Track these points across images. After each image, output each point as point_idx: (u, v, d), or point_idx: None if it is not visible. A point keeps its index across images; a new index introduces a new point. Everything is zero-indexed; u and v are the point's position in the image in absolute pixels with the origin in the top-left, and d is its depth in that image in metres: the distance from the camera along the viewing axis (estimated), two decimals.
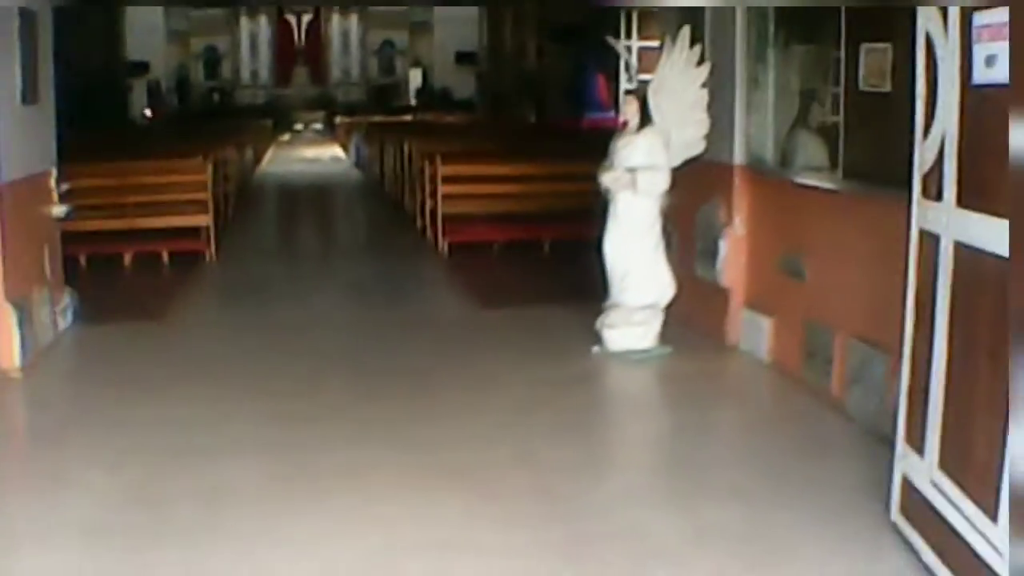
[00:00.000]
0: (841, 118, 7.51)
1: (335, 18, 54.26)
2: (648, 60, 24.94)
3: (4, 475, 6.26)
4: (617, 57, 26.10)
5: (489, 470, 6.10)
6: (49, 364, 8.68)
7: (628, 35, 26.36)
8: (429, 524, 5.35)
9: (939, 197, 4.68)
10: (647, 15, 25.45)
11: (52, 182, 9.42)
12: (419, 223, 15.77)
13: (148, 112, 44.95)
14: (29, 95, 8.70)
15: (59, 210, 9.51)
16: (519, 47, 36.04)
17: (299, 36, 53.65)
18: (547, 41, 31.85)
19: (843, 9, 7.30)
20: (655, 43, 24.30)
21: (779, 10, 8.30)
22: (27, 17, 8.62)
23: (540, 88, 32.96)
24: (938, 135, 4.68)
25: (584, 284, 9.33)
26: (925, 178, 4.87)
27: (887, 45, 6.79)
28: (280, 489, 5.82)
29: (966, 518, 4.30)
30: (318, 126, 48.17)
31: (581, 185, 13.14)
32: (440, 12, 51.73)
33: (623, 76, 25.95)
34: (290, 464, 6.20)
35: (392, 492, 5.75)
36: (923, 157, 4.88)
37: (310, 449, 6.46)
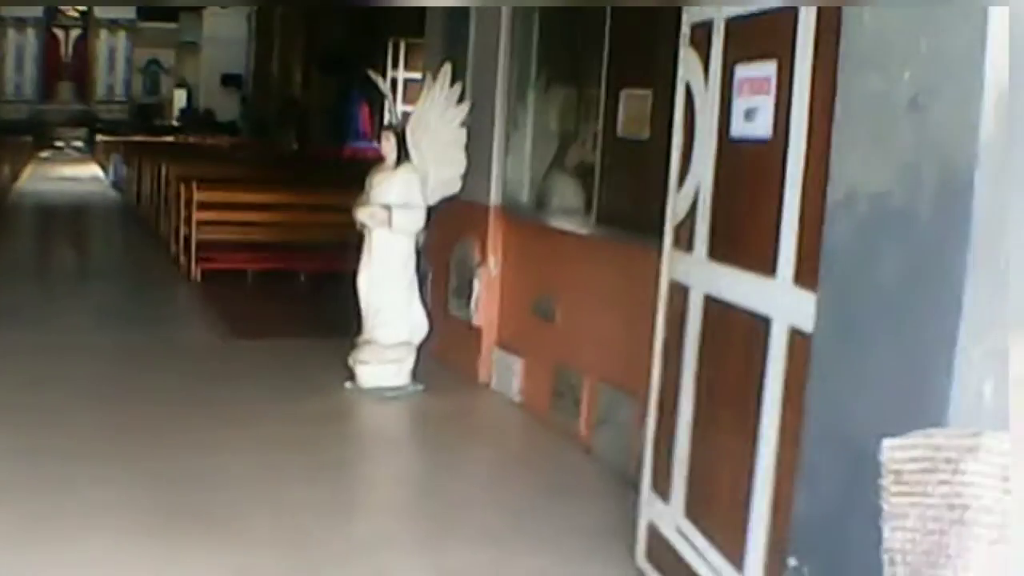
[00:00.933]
0: (597, 163, 7.57)
1: (103, 34, 53.06)
2: (414, 92, 25.12)
3: None
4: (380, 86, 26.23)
5: (234, 512, 5.90)
6: None
7: (395, 66, 26.39)
8: (170, 572, 5.14)
9: (690, 249, 4.74)
10: (415, 47, 25.53)
11: None
12: (173, 248, 15.41)
13: None
14: None
15: None
16: (285, 73, 35.71)
17: (66, 51, 52.33)
18: (313, 69, 31.64)
19: (607, 52, 7.37)
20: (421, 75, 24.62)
21: (542, 50, 8.39)
22: None
23: (304, 115, 32.71)
24: (692, 187, 4.73)
25: (340, 318, 9.20)
26: (677, 229, 4.91)
27: (648, 92, 6.87)
28: (9, 532, 5.50)
29: (711, 566, 4.35)
30: (79, 144, 46.87)
31: (340, 216, 12.97)
32: (208, 32, 51.05)
33: (384, 107, 25.97)
34: (27, 504, 5.87)
35: (133, 536, 5.48)
36: (676, 208, 4.92)
37: (52, 487, 6.14)
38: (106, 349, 9.94)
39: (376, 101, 26.27)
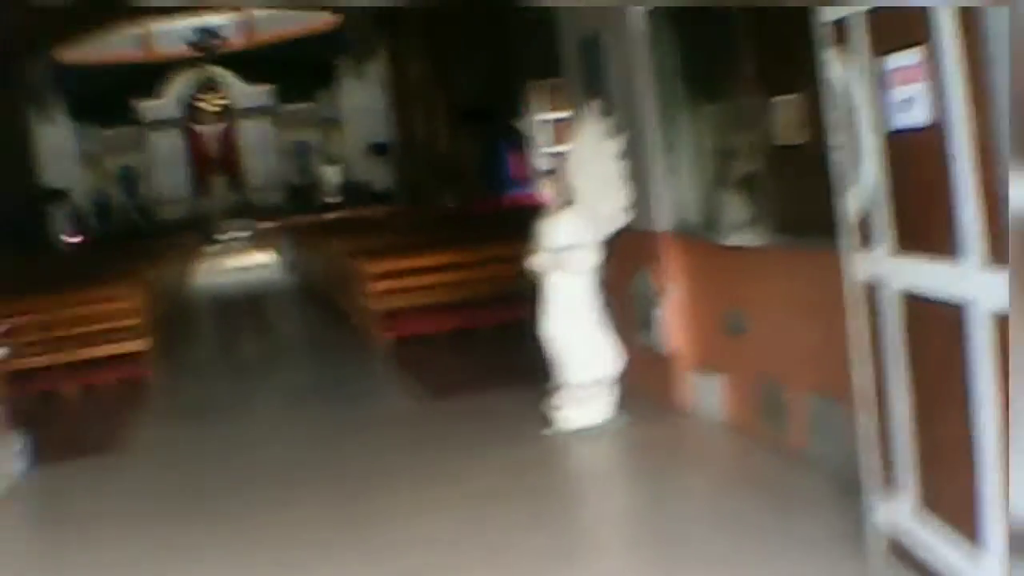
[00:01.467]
0: (760, 173, 7.55)
1: (246, 123, 54.17)
2: (564, 131, 25.17)
3: None
4: (529, 131, 26.39)
5: (459, 573, 6.00)
6: (7, 511, 8.51)
7: (539, 108, 26.49)
8: None
9: (871, 245, 4.71)
10: (557, 88, 25.59)
11: None
12: (355, 321, 15.71)
13: (70, 238, 44.57)
14: None
15: (1, 352, 9.34)
16: (430, 133, 36.17)
17: (212, 145, 53.52)
18: (457, 124, 31.98)
19: (751, 62, 7.35)
20: (567, 113, 24.69)
21: (684, 70, 8.37)
22: None
23: (455, 172, 33.05)
24: (862, 184, 4.71)
25: (529, 366, 9.29)
26: (854, 228, 4.89)
27: (797, 97, 6.83)
28: None
29: (950, 555, 4.30)
30: (242, 233, 47.85)
31: (510, 267, 13.22)
32: (348, 106, 51.81)
33: (535, 152, 26.10)
34: None
35: None
36: (850, 207, 4.90)
37: (282, 570, 6.36)
38: (309, 431, 10.20)
39: (525, 147, 26.47)
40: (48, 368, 12.89)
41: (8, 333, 9.54)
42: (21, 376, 11.72)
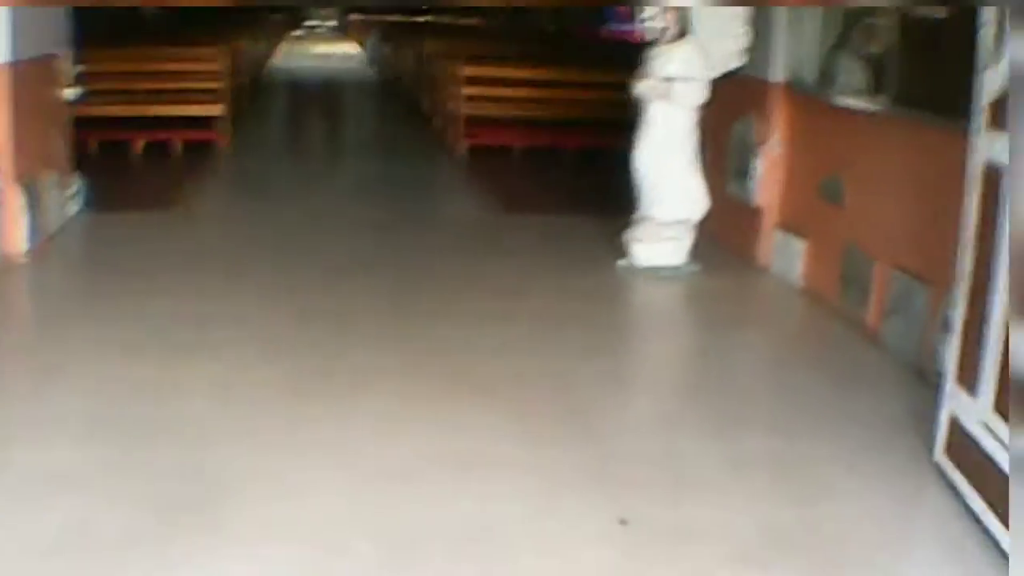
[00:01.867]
0: (892, 40, 7.21)
1: None
2: None
3: (2, 367, 5.98)
4: None
5: (517, 384, 5.83)
6: (57, 250, 8.39)
7: None
8: (456, 436, 5.07)
9: (1007, 127, 4.40)
10: None
11: (65, 64, 9.09)
12: (437, 124, 15.49)
13: None
14: None
15: (71, 93, 9.20)
16: None
17: None
18: None
19: None
20: None
21: None
22: None
23: None
24: (1007, 62, 4.38)
25: (608, 195, 9.06)
26: (991, 107, 4.57)
27: None
28: (299, 391, 5.54)
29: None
30: (332, 23, 47.60)
31: (604, 93, 12.96)
32: None
33: None
34: (311, 366, 5.94)
35: (418, 401, 5.46)
36: (989, 85, 4.58)
37: (331, 351, 6.21)
38: (376, 221, 10.04)
39: None
40: (120, 119, 12.75)
41: (82, 77, 9.33)
42: (94, 123, 11.63)
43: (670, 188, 8.08)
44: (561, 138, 13.67)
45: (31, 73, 8.11)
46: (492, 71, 13.97)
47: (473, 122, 13.78)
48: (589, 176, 11.80)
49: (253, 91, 20.02)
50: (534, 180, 12.44)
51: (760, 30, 8.22)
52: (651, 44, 8.28)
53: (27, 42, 7.94)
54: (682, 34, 8.04)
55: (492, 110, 13.90)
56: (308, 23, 47.40)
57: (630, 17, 26.04)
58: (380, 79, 24.90)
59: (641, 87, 8.08)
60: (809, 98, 8.09)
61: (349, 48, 35.50)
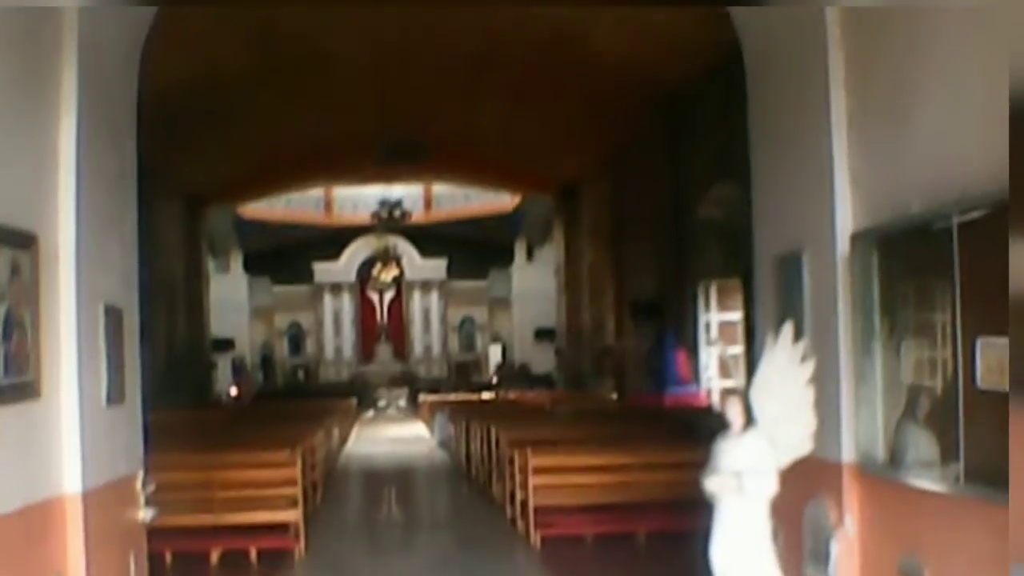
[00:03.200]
0: (957, 417, 7.18)
1: (416, 295, 55.17)
2: (728, 333, 25.08)
3: None
4: (696, 330, 26.30)
5: None
6: None
7: (707, 308, 26.50)
8: None
9: None
10: (726, 288, 25.63)
11: (138, 484, 9.18)
12: (509, 512, 15.47)
13: (233, 390, 45.42)
14: (115, 396, 8.41)
15: (146, 514, 9.27)
16: (597, 323, 36.21)
17: (381, 313, 54.44)
18: (625, 317, 31.97)
19: (956, 301, 7.04)
20: (735, 315, 24.63)
21: (885, 300, 8.07)
22: (113, 315, 8.44)
23: (619, 364, 32.95)
24: None
25: None
26: None
27: (1005, 340, 6.51)
28: None
29: None
30: (401, 403, 48.28)
31: (673, 474, 12.98)
32: (519, 289, 52.53)
33: (704, 350, 25.99)
34: None
35: None
36: None
37: None
38: None
39: (692, 345, 26.34)
40: (196, 529, 12.84)
41: (155, 492, 9.44)
42: (168, 533, 11.71)
43: None
44: (635, 522, 13.57)
45: (105, 499, 8.12)
46: (558, 460, 14.02)
47: (545, 511, 13.73)
48: (667, 561, 11.66)
49: (327, 484, 20.19)
50: (612, 571, 12.28)
51: (826, 412, 8.25)
52: (718, 436, 8.31)
53: (100, 467, 8.00)
54: (748, 423, 8.08)
55: (562, 498, 13.88)
56: (379, 404, 48.10)
57: (691, 379, 26.31)
58: (451, 463, 25.03)
59: (711, 484, 8.05)
60: (880, 478, 8.01)
61: (419, 429, 35.88)
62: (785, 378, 8.14)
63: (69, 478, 7.49)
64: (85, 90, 7.74)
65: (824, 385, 8.26)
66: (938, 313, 7.49)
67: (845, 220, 8.23)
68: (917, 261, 7.67)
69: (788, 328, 8.20)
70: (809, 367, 8.13)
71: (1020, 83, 5.65)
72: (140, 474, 9.17)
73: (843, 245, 8.23)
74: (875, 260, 8.05)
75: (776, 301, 9.27)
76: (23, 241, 6.94)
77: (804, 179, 8.83)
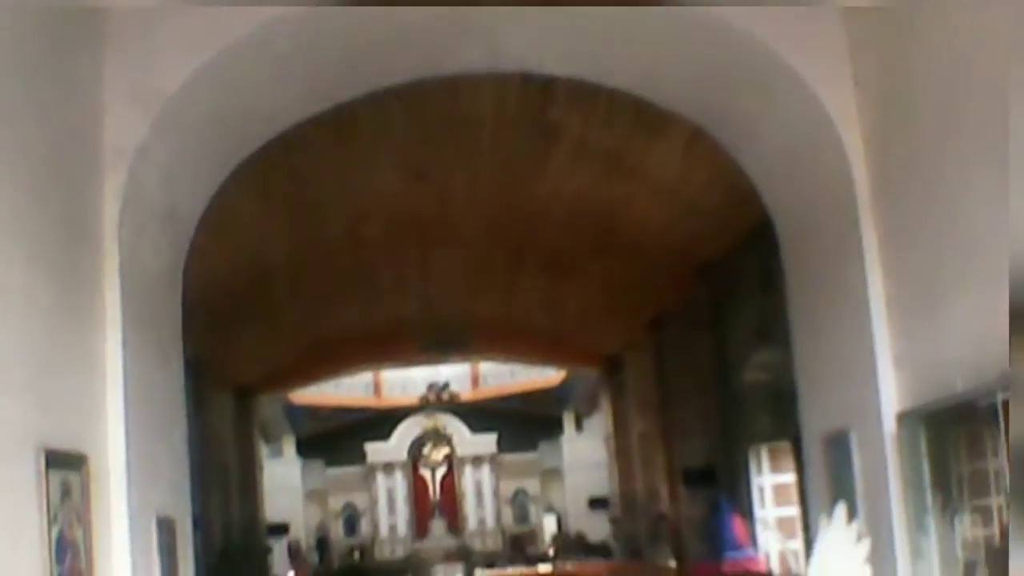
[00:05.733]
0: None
1: (467, 469, 54.97)
2: (781, 494, 24.85)
3: None
4: (750, 494, 26.00)
5: None
6: None
7: (759, 472, 26.31)
8: None
9: None
10: (777, 451, 25.45)
11: None
12: None
13: (290, 574, 45.15)
14: None
15: None
16: (651, 490, 35.93)
17: (434, 489, 54.19)
18: (678, 483, 31.74)
19: (1005, 476, 6.99)
20: (787, 476, 24.39)
21: (936, 478, 8.03)
22: (165, 526, 8.47)
23: (675, 531, 32.63)
24: None
25: None
26: None
27: None
28: None
29: None
30: None
31: None
32: (570, 459, 52.29)
33: (758, 514, 25.69)
34: None
35: None
36: None
37: None
38: None
39: (747, 509, 26.08)
40: None
41: None
42: None
43: None
44: None
45: None
46: None
47: None
48: None
49: None
50: None
51: (880, 560, 8.14)
52: None
53: None
54: None
55: None
56: None
57: (748, 543, 25.98)
58: None
59: None
60: None
61: None
62: (842, 557, 8.05)
63: None
64: (129, 316, 7.91)
65: (881, 563, 8.15)
66: (990, 491, 7.45)
67: (890, 399, 8.24)
68: (967, 439, 7.66)
69: (841, 509, 8.14)
70: (865, 547, 8.04)
71: None
72: None
73: (890, 424, 8.22)
74: (923, 438, 8.04)
75: (827, 478, 9.22)
76: (73, 462, 7.03)
77: (846, 357, 8.86)
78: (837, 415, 9.02)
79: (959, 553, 8.04)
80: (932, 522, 8.10)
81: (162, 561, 8.33)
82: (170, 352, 9.16)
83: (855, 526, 8.03)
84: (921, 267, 7.89)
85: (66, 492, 6.91)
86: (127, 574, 7.60)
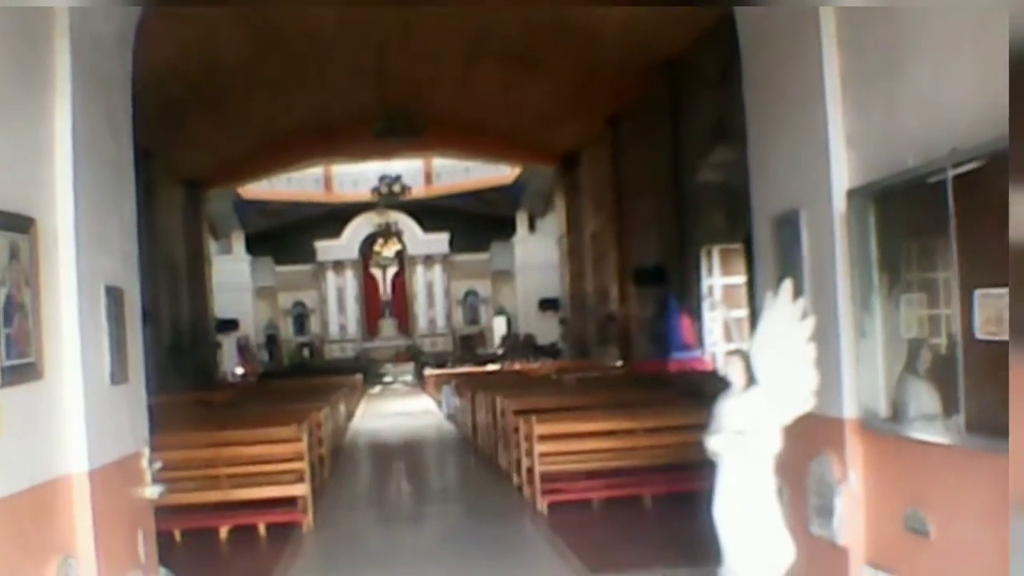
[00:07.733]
0: (956, 369, 7.19)
1: (419, 270, 55.21)
2: (731, 296, 25.11)
3: None
4: (699, 295, 26.29)
5: None
6: None
7: (710, 273, 26.52)
8: None
9: None
10: (728, 253, 25.66)
11: (144, 462, 9.18)
12: (515, 480, 15.54)
13: (239, 370, 45.55)
14: (118, 375, 8.41)
15: (153, 491, 9.26)
16: (601, 291, 36.23)
17: (384, 289, 54.48)
18: (628, 283, 31.96)
19: (953, 254, 7.04)
20: (738, 279, 24.65)
21: (883, 259, 8.08)
22: (114, 295, 8.44)
23: (624, 331, 32.98)
24: None
25: (691, 543, 8.97)
26: None
27: (1002, 291, 6.52)
28: None
29: None
30: (407, 378, 48.37)
31: (678, 436, 13.05)
32: (522, 260, 52.53)
33: (707, 315, 25.99)
34: None
35: None
36: None
37: None
38: None
39: (695, 310, 26.37)
40: (204, 506, 12.93)
41: (162, 470, 9.46)
42: (176, 511, 11.77)
43: (753, 540, 8.00)
44: (641, 485, 13.64)
45: (111, 477, 8.11)
46: (563, 427, 14.10)
47: (551, 478, 13.82)
48: (673, 522, 11.71)
49: (335, 458, 20.27)
50: (617, 533, 12.30)
51: (827, 368, 8.25)
52: (720, 396, 8.35)
53: (105, 446, 8.00)
54: (750, 383, 8.11)
55: (568, 464, 13.96)
56: (385, 379, 48.17)
57: (695, 343, 26.33)
58: (458, 435, 25.09)
59: (713, 443, 8.10)
60: (883, 432, 8.02)
61: (426, 403, 35.95)
62: (785, 336, 8.16)
63: (75, 457, 7.50)
64: (79, 78, 7.74)
65: (825, 342, 8.27)
66: (937, 267, 7.49)
67: (841, 177, 8.23)
68: (914, 216, 7.67)
69: (787, 286, 8.22)
70: (809, 324, 8.14)
71: (1020, 31, 5.64)
72: (146, 452, 9.19)
73: (839, 202, 8.23)
74: (872, 216, 8.05)
75: (775, 261, 9.26)
76: (21, 225, 6.94)
77: (799, 139, 8.81)
78: (788, 196, 9.01)
79: (903, 333, 8.14)
80: (878, 301, 8.16)
81: (110, 328, 8.31)
82: (120, 122, 9.00)
83: (801, 303, 8.13)
84: (879, 42, 7.79)
85: (14, 254, 6.84)
86: (76, 338, 7.57)
